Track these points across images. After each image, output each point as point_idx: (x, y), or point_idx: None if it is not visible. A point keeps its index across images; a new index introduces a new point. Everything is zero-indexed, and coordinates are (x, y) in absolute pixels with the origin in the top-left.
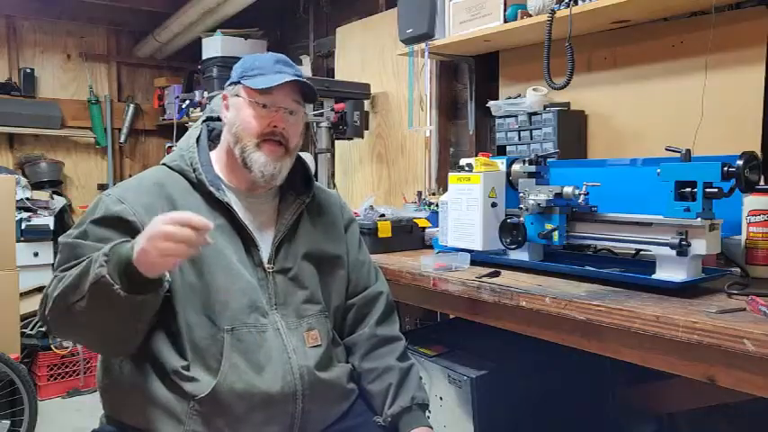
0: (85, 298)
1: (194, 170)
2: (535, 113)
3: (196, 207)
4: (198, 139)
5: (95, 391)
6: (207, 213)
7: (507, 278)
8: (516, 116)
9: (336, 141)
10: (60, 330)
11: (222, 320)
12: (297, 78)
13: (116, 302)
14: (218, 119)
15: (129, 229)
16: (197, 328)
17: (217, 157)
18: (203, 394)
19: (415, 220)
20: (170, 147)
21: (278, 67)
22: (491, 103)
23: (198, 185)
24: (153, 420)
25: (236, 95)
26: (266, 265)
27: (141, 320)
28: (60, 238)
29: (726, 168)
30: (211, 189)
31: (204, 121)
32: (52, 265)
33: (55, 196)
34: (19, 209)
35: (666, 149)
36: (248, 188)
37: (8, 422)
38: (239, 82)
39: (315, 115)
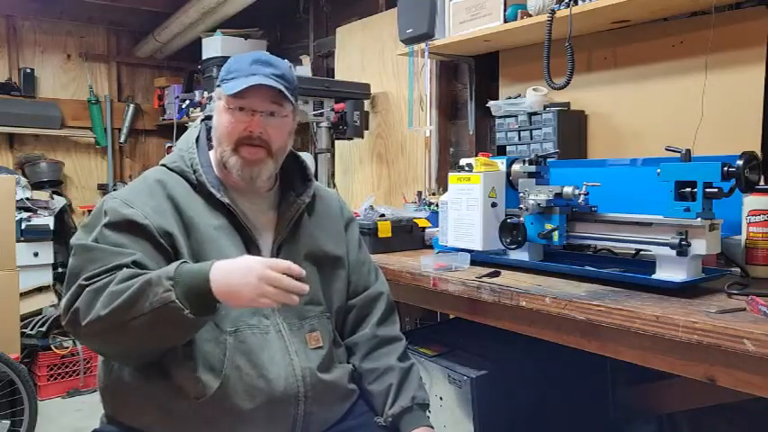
0: (143, 318)
1: (194, 171)
2: (535, 113)
3: (198, 208)
4: (197, 140)
5: (95, 391)
6: (208, 214)
7: (507, 278)
8: (516, 116)
9: (336, 141)
10: (97, 344)
11: (225, 323)
12: (264, 83)
13: (181, 323)
14: None
15: (143, 232)
16: (201, 331)
17: (215, 157)
18: (206, 396)
19: (415, 220)
20: (170, 147)
21: (254, 68)
22: (491, 103)
23: (198, 186)
24: (154, 422)
25: (219, 98)
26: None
27: (190, 337)
28: (73, 241)
29: (726, 168)
30: (212, 190)
31: (203, 120)
32: (52, 265)
33: (55, 196)
34: (19, 209)
35: (666, 149)
36: (248, 189)
37: (8, 422)
38: (220, 85)
39: (315, 115)
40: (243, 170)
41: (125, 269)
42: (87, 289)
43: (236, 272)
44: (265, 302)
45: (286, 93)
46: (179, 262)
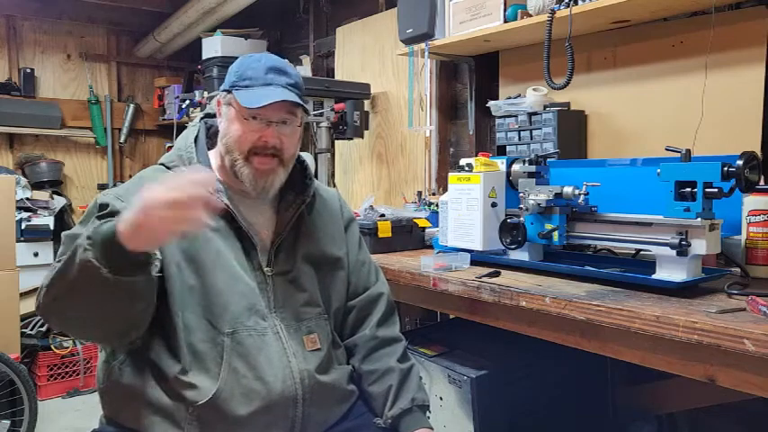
0: (76, 282)
1: None
2: (535, 113)
3: None
4: (196, 138)
5: (95, 391)
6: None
7: (507, 278)
8: (516, 116)
9: (336, 141)
10: (55, 319)
11: (222, 324)
12: (286, 98)
13: (105, 286)
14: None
15: None
16: (197, 332)
17: (214, 157)
18: (203, 400)
19: (415, 220)
20: (170, 146)
21: (269, 77)
22: (491, 103)
23: None
24: (152, 424)
25: (229, 104)
26: (265, 268)
27: (135, 305)
28: (63, 233)
29: (726, 168)
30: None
31: (202, 119)
32: None
33: (55, 196)
34: (19, 209)
35: (666, 149)
36: (247, 189)
37: (8, 422)
38: (231, 90)
39: (315, 115)
40: (256, 181)
41: None
42: (51, 269)
43: (134, 213)
44: (174, 230)
45: (301, 103)
46: (104, 221)
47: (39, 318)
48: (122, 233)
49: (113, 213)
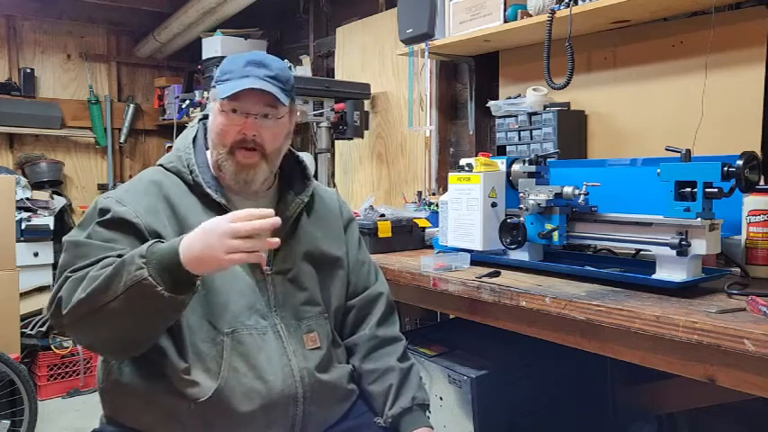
0: (119, 299)
1: (191, 171)
2: (535, 113)
3: (193, 209)
4: (194, 139)
5: (95, 391)
6: (203, 215)
7: (507, 278)
8: (516, 116)
9: (336, 141)
10: (79, 332)
11: (222, 323)
12: (255, 86)
13: (157, 303)
14: None
15: (134, 230)
16: (197, 331)
17: (211, 157)
18: (204, 398)
19: (415, 220)
20: (170, 147)
21: (247, 69)
22: (491, 103)
23: (195, 187)
24: (153, 423)
25: (213, 100)
26: (264, 267)
27: (173, 320)
28: (64, 238)
29: (726, 168)
30: (209, 191)
31: (201, 120)
32: (52, 265)
33: (55, 196)
34: (19, 209)
35: (666, 149)
36: (245, 189)
37: (8, 422)
38: (215, 86)
39: (315, 115)
40: (237, 174)
41: (108, 258)
42: (70, 278)
43: (198, 238)
44: (239, 258)
45: (279, 95)
46: (152, 241)
47: (39, 318)
48: (188, 264)
49: (115, 219)
